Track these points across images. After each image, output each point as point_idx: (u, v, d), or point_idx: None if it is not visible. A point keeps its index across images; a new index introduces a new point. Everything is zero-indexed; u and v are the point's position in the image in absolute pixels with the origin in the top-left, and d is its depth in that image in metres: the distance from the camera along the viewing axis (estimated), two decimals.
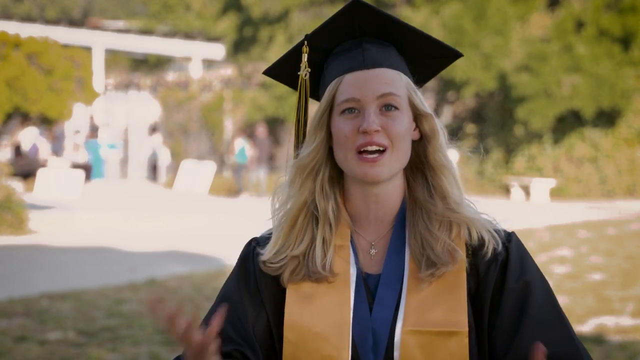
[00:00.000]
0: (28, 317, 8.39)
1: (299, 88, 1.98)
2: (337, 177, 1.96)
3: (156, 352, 7.11)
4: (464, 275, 1.91)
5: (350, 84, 1.90)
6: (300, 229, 1.95)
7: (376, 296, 1.91)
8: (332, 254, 1.92)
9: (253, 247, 2.00)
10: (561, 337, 1.90)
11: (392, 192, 1.95)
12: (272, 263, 1.94)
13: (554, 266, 11.65)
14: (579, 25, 24.90)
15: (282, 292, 1.95)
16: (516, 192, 24.80)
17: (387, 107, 1.89)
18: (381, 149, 1.88)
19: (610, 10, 24.53)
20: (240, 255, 2.01)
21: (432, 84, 25.04)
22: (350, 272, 1.92)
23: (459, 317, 1.88)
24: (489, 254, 1.92)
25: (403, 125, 1.90)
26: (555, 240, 14.56)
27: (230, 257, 12.15)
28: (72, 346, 7.31)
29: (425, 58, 2.00)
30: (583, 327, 7.93)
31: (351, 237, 1.95)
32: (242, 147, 26.20)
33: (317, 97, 1.98)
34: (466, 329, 1.87)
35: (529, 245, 13.18)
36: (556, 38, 24.67)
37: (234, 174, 26.71)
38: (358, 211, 1.96)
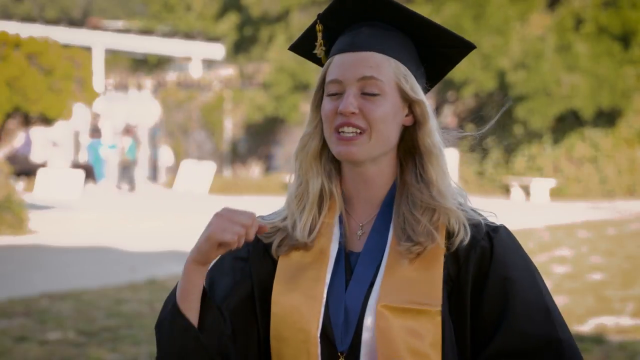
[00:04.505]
0: (28, 317, 8.39)
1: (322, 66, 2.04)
2: (333, 156, 2.01)
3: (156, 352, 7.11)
4: (442, 257, 1.93)
5: (336, 66, 1.95)
6: (299, 205, 2.01)
7: (353, 273, 1.95)
8: (318, 229, 1.98)
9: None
10: (541, 335, 1.91)
11: (380, 174, 1.98)
12: (265, 234, 2.00)
13: (554, 266, 11.65)
14: (578, 22, 24.90)
15: (273, 265, 2.00)
16: (516, 192, 24.81)
17: (368, 92, 1.93)
18: (358, 130, 1.92)
19: (609, 7, 24.53)
20: None
21: None
22: (330, 248, 1.97)
23: (433, 295, 1.90)
24: (467, 242, 1.93)
25: (382, 110, 1.93)
26: (555, 240, 14.56)
27: None
28: (72, 346, 7.30)
29: (436, 47, 2.02)
30: (583, 327, 7.94)
31: (341, 217, 2.00)
32: (131, 144, 27.24)
33: None
34: (439, 308, 1.89)
35: (529, 245, 13.16)
36: (555, 35, 24.67)
37: (123, 170, 27.72)
38: (350, 192, 2.00)
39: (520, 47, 24.88)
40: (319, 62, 2.05)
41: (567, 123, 25.54)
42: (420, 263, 1.92)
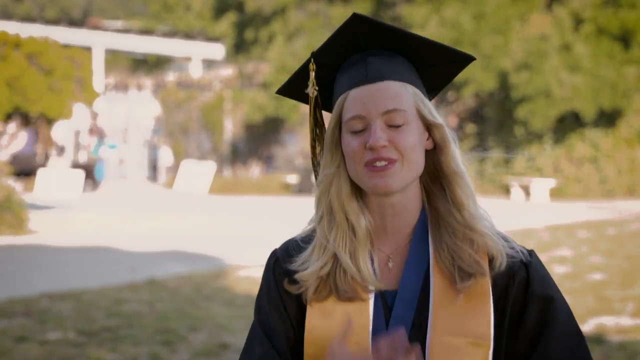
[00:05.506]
0: (28, 317, 8.39)
1: (310, 106, 1.98)
2: (356, 190, 1.96)
3: (156, 352, 7.11)
4: (489, 286, 1.91)
5: (355, 100, 1.90)
6: (325, 247, 1.95)
7: (393, 311, 1.90)
8: (364, 266, 1.91)
9: (273, 262, 2.01)
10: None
11: (409, 203, 1.94)
12: (294, 284, 1.94)
13: (554, 266, 11.65)
14: (578, 22, 24.90)
15: (303, 307, 1.95)
16: (516, 192, 24.80)
17: (394, 124, 1.89)
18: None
19: (608, 7, 24.51)
20: (264, 270, 2.02)
21: None
22: (369, 288, 1.91)
23: (485, 328, 1.88)
24: (505, 269, 1.92)
25: (411, 138, 1.89)
26: (555, 240, 14.56)
27: (230, 257, 12.15)
28: (72, 346, 7.30)
29: (436, 65, 1.99)
30: (583, 327, 7.93)
31: (370, 251, 1.95)
32: (96, 144, 28.10)
33: (331, 110, 1.98)
34: (489, 341, 1.88)
35: (529, 245, 13.12)
36: (555, 35, 24.66)
37: (92, 168, 28.34)
38: (376, 224, 1.95)
39: (521, 47, 24.88)
40: (307, 102, 1.99)
41: (567, 123, 25.54)
42: (471, 295, 1.89)
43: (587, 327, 7.99)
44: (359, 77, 1.91)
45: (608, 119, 25.33)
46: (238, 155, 30.37)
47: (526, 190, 24.76)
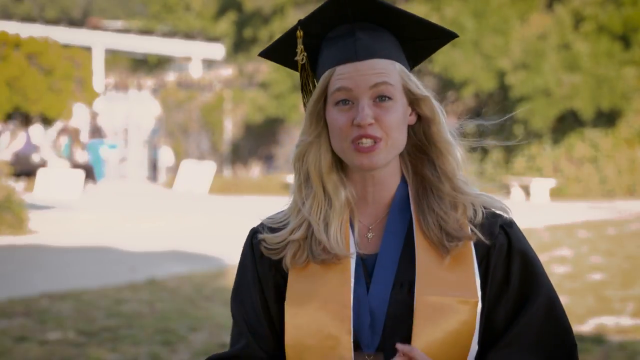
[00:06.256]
0: (28, 317, 8.39)
1: (299, 73, 2.00)
2: (336, 161, 1.99)
3: (156, 352, 7.11)
4: (472, 249, 1.96)
5: (343, 76, 1.92)
6: (299, 211, 1.99)
7: (373, 275, 1.94)
8: (334, 235, 1.95)
9: (250, 238, 2.05)
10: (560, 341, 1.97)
11: (390, 174, 1.98)
12: (272, 248, 1.98)
13: (554, 266, 11.65)
14: (578, 21, 24.88)
15: (283, 276, 1.98)
16: (516, 192, 24.81)
17: (381, 98, 1.92)
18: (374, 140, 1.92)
19: (609, 5, 24.49)
20: (242, 250, 2.06)
21: (431, 83, 25.15)
22: (350, 253, 1.96)
23: (471, 286, 1.92)
24: (489, 234, 1.97)
25: (397, 115, 1.93)
26: (555, 240, 14.56)
27: (230, 257, 12.14)
28: (72, 346, 7.31)
29: (419, 40, 2.02)
30: (583, 327, 7.94)
31: (350, 219, 1.99)
32: (66, 143, 28.00)
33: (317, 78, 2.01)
34: (477, 299, 1.92)
35: None
36: (555, 33, 24.65)
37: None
38: (357, 194, 1.99)
39: (521, 47, 24.87)
40: (289, 65, 2.01)
41: (567, 123, 25.54)
42: (454, 257, 1.94)
43: (587, 327, 8.00)
44: (348, 54, 1.93)
45: (608, 119, 25.33)
46: (238, 155, 30.37)
47: (526, 190, 24.76)
